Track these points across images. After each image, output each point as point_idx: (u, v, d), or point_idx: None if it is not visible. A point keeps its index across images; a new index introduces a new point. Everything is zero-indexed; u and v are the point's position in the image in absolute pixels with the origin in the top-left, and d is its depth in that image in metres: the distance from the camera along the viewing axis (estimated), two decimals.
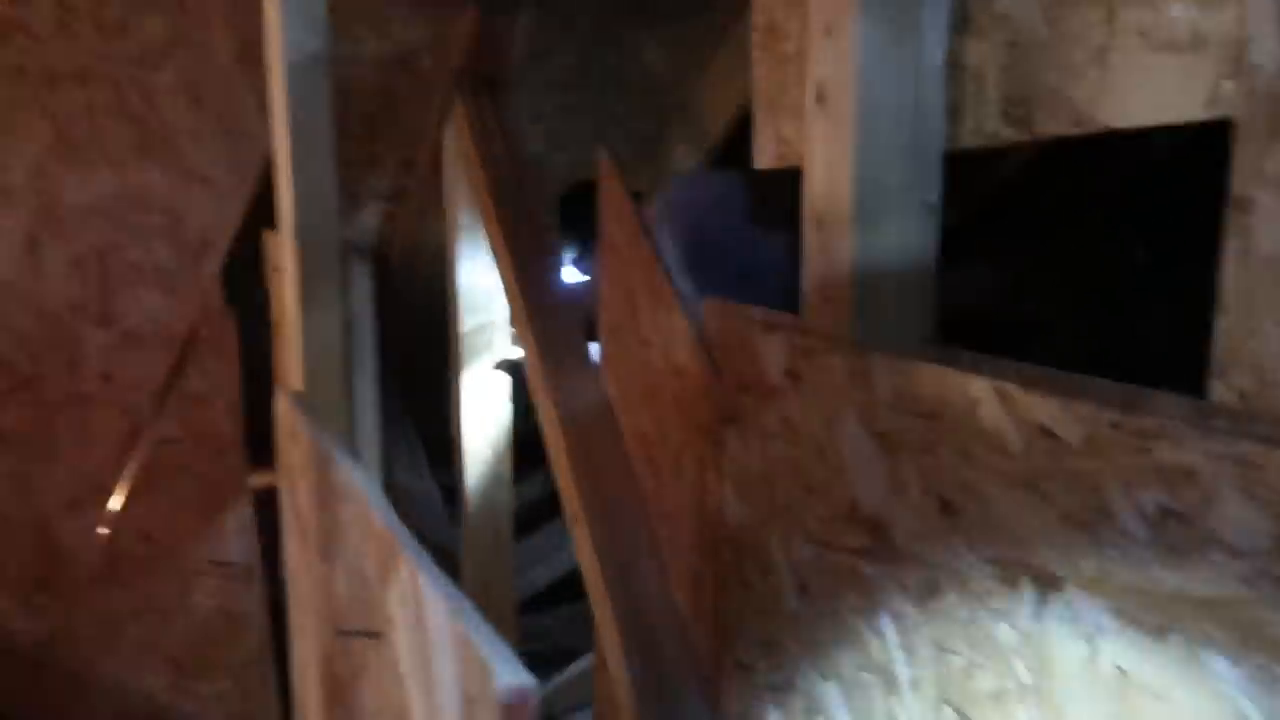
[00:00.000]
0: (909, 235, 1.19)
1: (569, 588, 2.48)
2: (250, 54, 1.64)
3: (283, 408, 1.39)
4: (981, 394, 0.94)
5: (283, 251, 1.40)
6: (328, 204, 1.32)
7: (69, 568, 1.59)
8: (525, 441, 2.65)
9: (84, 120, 1.51)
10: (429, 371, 3.14)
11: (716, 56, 2.86)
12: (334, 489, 0.98)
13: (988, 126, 1.12)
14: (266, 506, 1.78)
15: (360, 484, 0.88)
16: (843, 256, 1.19)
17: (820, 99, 1.22)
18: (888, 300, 1.19)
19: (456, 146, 2.73)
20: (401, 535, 0.88)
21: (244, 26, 1.63)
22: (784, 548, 1.24)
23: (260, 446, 2.05)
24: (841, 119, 1.18)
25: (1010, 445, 0.90)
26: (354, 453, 1.41)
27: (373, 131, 2.81)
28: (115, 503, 1.59)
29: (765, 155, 1.53)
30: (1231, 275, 0.82)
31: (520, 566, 2.87)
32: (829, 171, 1.21)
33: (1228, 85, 0.85)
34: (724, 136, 2.89)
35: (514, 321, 2.49)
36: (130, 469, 1.60)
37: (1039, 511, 0.88)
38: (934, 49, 1.16)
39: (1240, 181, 0.82)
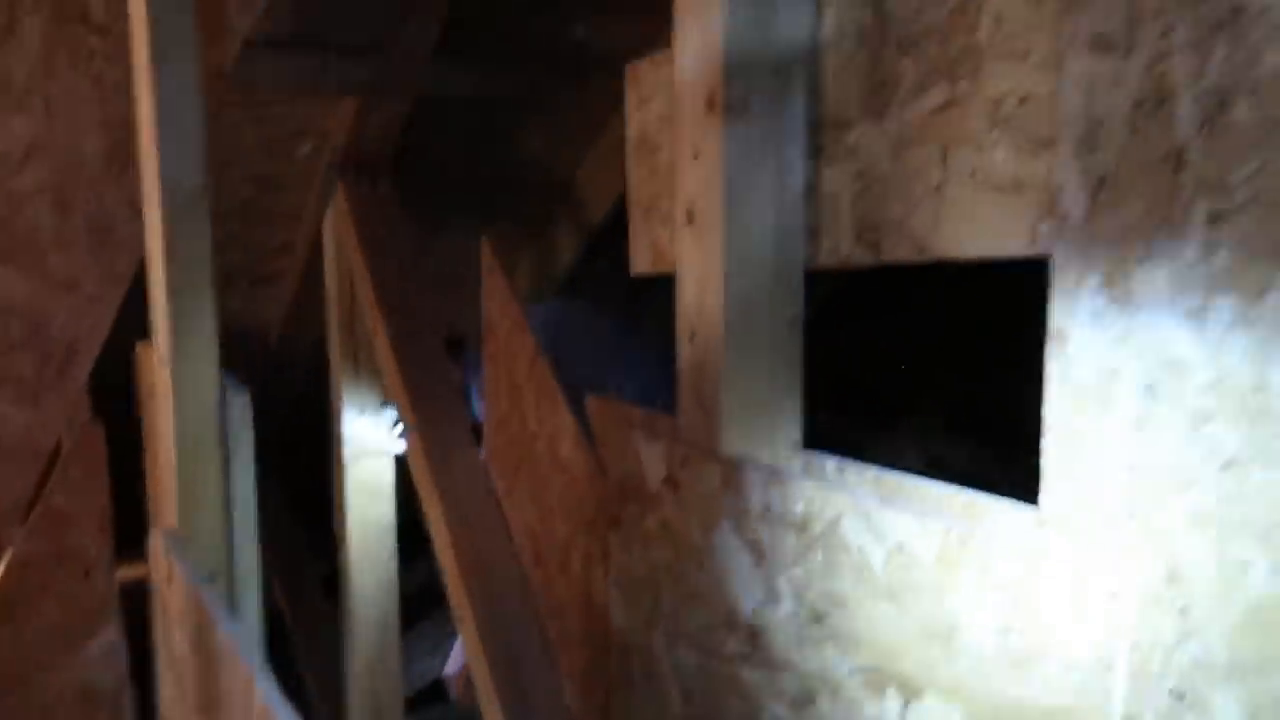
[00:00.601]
0: (776, 348, 1.26)
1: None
2: (121, 156, 1.61)
3: (157, 547, 1.35)
4: (843, 509, 1.00)
5: (158, 382, 1.37)
6: (207, 340, 1.30)
7: None
8: (410, 528, 2.62)
9: None
10: (310, 462, 3.08)
11: (597, 144, 2.95)
12: (214, 652, 0.96)
13: (842, 249, 1.20)
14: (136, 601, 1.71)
15: (242, 654, 0.87)
16: (714, 368, 1.25)
17: (690, 219, 1.29)
18: (758, 410, 1.25)
19: (337, 232, 2.72)
20: (281, 712, 0.85)
21: (115, 128, 1.60)
22: (668, 653, 1.27)
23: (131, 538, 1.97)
24: (711, 238, 1.25)
25: (871, 558, 0.96)
26: (232, 603, 1.37)
27: (248, 215, 2.78)
28: None
29: (641, 261, 1.59)
30: (1053, 399, 0.91)
31: (410, 658, 2.81)
32: (700, 287, 1.27)
33: (1044, 227, 0.95)
34: (608, 220, 2.97)
35: (397, 410, 2.48)
36: None
37: (900, 622, 0.94)
38: (794, 175, 1.24)
39: (1058, 315, 0.91)
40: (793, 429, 1.27)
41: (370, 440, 2.76)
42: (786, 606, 1.07)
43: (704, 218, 1.26)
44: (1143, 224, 0.85)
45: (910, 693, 0.92)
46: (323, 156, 2.66)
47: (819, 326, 1.54)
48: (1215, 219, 0.80)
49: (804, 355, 1.29)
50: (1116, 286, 0.87)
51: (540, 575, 2.00)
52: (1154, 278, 0.84)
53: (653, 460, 1.31)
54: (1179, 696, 0.79)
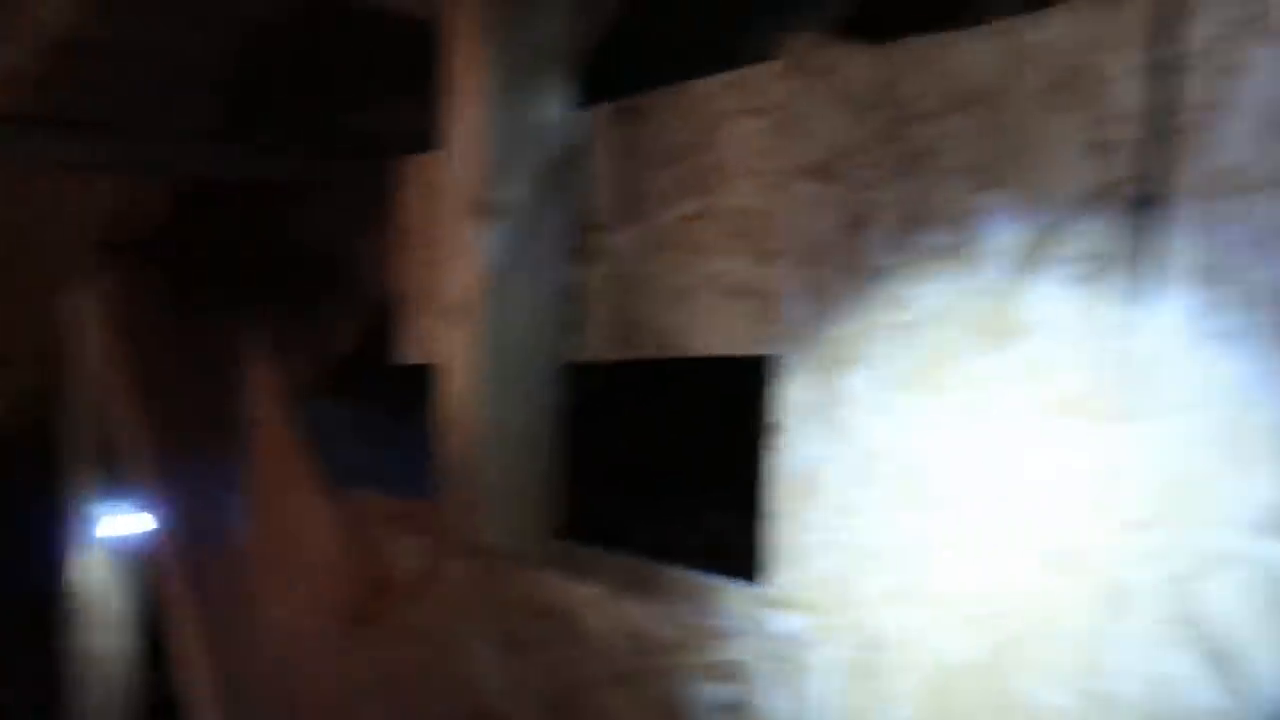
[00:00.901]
0: (535, 439, 1.29)
1: None
2: None
3: None
4: (587, 599, 1.02)
5: None
6: None
7: None
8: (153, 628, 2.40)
9: None
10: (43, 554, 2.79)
11: (376, 228, 2.92)
12: None
13: (599, 344, 1.26)
14: None
15: None
16: (474, 458, 1.26)
17: (453, 312, 1.31)
18: (517, 500, 1.27)
19: (95, 316, 2.54)
20: None
21: None
22: None
23: None
24: (473, 332, 1.27)
25: (611, 645, 0.98)
26: None
27: None
28: None
29: (409, 351, 1.59)
30: (772, 486, 0.98)
31: None
32: (462, 378, 1.29)
33: (772, 329, 1.04)
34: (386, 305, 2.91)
35: (148, 497, 2.29)
36: None
37: (635, 706, 0.96)
38: (554, 275, 1.30)
39: (776, 409, 0.99)
40: (551, 517, 1.29)
41: (112, 535, 2.54)
42: (529, 695, 1.07)
43: (466, 312, 1.28)
44: (850, 329, 0.95)
45: None
46: (77, 237, 2.50)
47: (601, 413, 1.58)
48: (903, 329, 0.91)
49: (583, 441, 1.32)
50: (828, 385, 0.96)
51: (298, 675, 1.88)
52: (858, 378, 0.94)
53: (410, 554, 1.29)
54: None
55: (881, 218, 0.94)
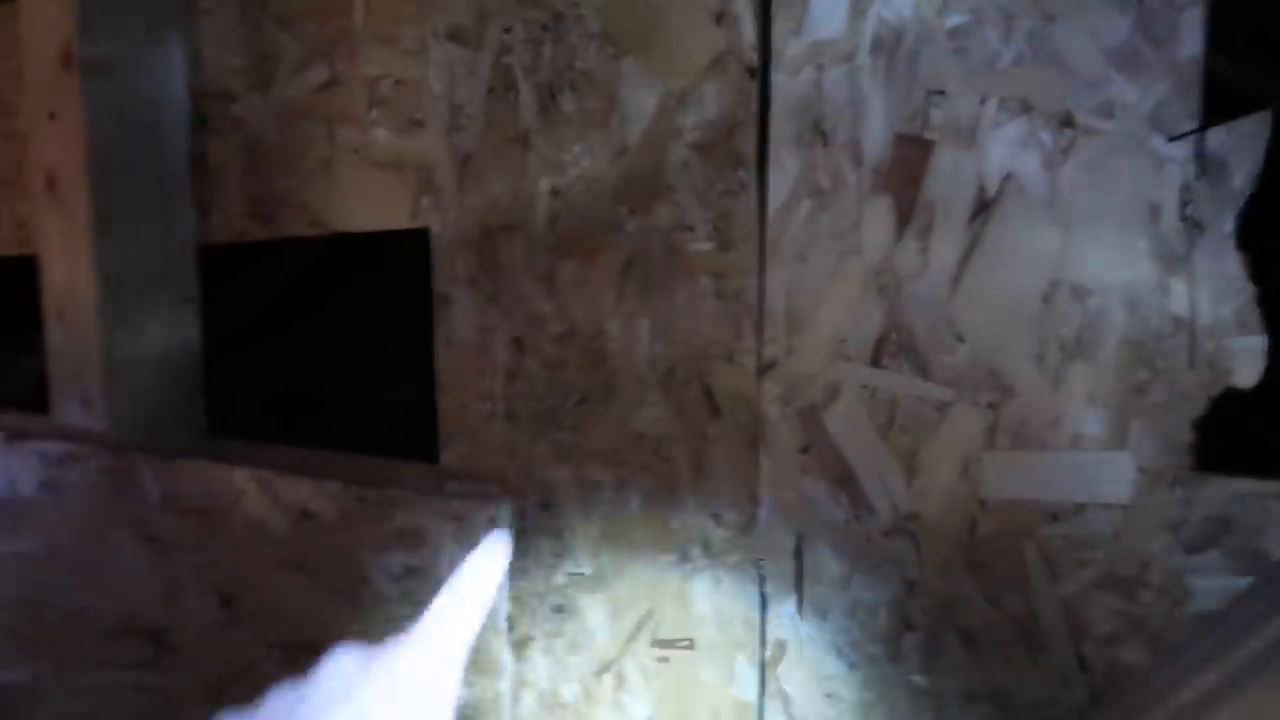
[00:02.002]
0: (167, 329, 1.18)
1: None
2: None
3: None
4: (245, 484, 0.97)
5: None
6: None
7: None
8: None
9: None
10: None
11: None
12: None
13: (236, 224, 1.17)
14: None
15: None
16: (91, 353, 1.13)
17: (50, 187, 1.14)
18: (149, 396, 1.16)
19: None
20: None
21: None
22: (64, 680, 1.13)
23: None
24: (76, 210, 1.12)
25: (276, 530, 0.95)
26: None
27: None
28: None
29: (2, 241, 1.37)
30: (442, 359, 0.99)
31: None
32: (68, 265, 1.14)
33: (424, 201, 1.02)
34: None
35: None
36: None
37: (312, 587, 0.95)
38: (174, 145, 1.17)
39: (441, 281, 0.99)
40: (195, 414, 1.20)
41: None
42: (190, 598, 1.01)
43: (68, 186, 1.12)
44: (501, 197, 0.96)
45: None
46: None
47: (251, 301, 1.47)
48: (556, 193, 0.93)
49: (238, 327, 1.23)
50: (486, 253, 0.97)
51: None
52: (514, 242, 0.96)
53: (26, 466, 1.15)
54: (558, 609, 0.92)
55: (526, 84, 0.95)
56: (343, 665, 0.51)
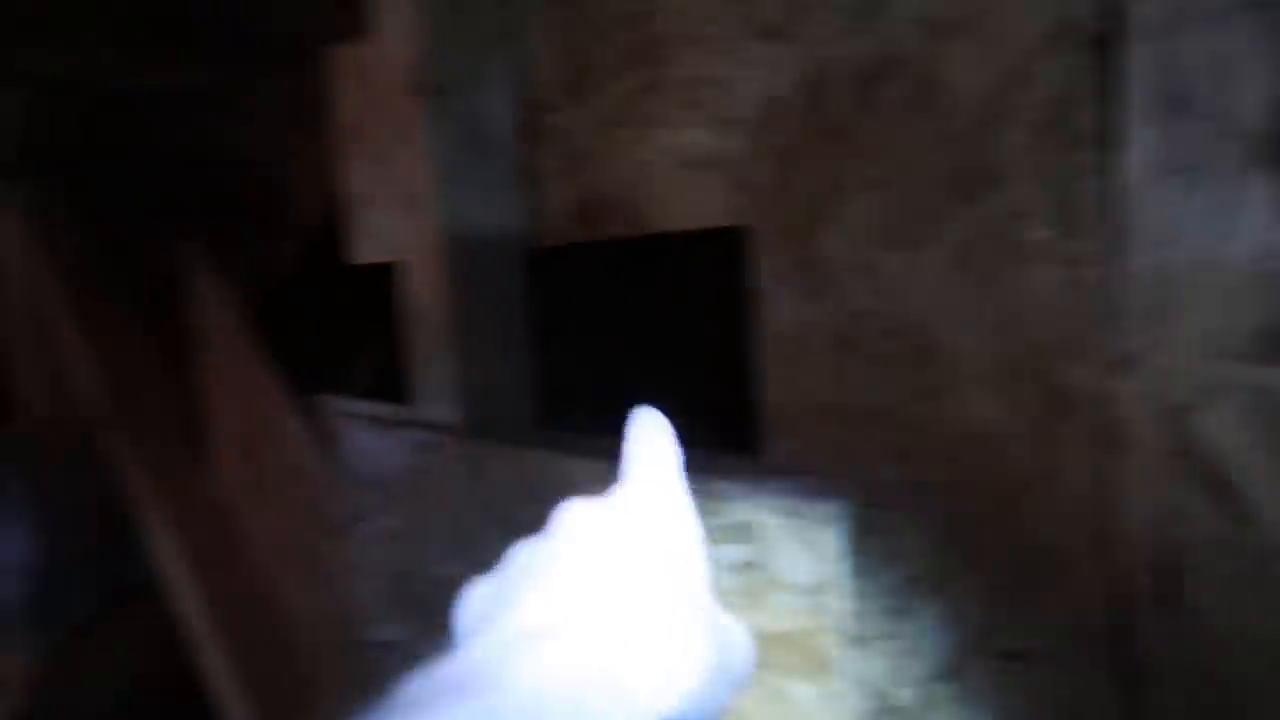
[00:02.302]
0: (506, 327, 1.29)
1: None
2: None
3: None
4: (579, 474, 1.04)
5: None
6: None
7: None
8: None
9: None
10: None
11: (307, 139, 2.81)
12: None
13: (561, 227, 1.25)
14: None
15: None
16: (444, 351, 1.25)
17: (407, 204, 1.28)
18: (492, 390, 1.28)
19: (13, 241, 2.42)
20: None
21: None
22: (432, 644, 1.27)
23: None
24: (428, 223, 1.25)
25: None
26: None
27: None
28: None
29: (361, 251, 1.56)
30: (761, 355, 1.00)
31: None
32: (424, 271, 1.27)
33: (740, 198, 1.03)
34: (324, 221, 2.83)
35: (103, 422, 2.25)
36: None
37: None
38: (505, 158, 1.27)
39: (758, 277, 1.00)
40: (528, 406, 1.30)
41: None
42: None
43: (419, 202, 1.25)
44: (820, 191, 0.95)
45: None
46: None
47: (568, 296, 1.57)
48: (879, 184, 0.91)
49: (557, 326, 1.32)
50: (805, 248, 0.97)
51: (283, 587, 1.91)
52: (835, 236, 0.95)
53: (395, 452, 1.30)
54: (893, 611, 0.91)
55: (841, 74, 0.93)
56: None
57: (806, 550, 0.89)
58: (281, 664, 1.87)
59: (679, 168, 1.11)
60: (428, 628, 1.28)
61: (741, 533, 0.93)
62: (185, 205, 2.24)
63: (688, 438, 1.04)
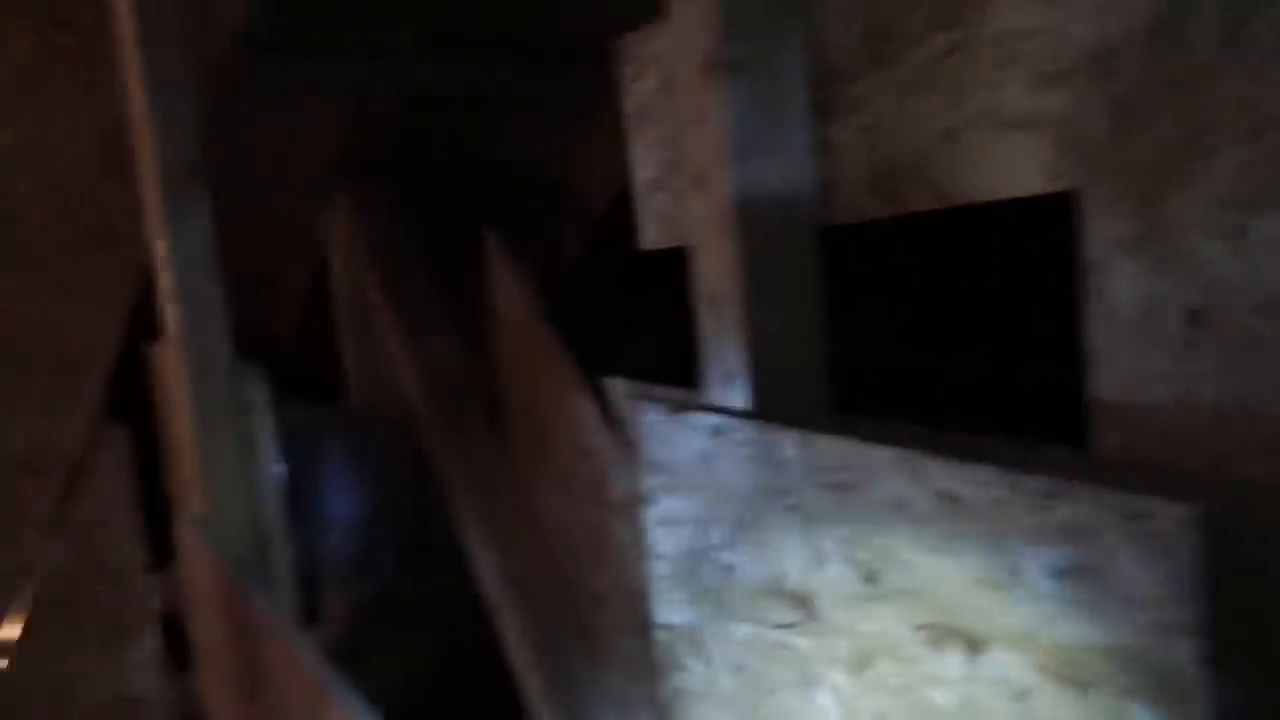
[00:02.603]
0: (796, 308, 1.24)
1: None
2: (118, 160, 1.58)
3: (183, 534, 1.34)
4: (883, 462, 0.98)
5: (169, 366, 1.36)
6: (217, 317, 1.28)
7: None
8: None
9: None
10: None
11: (591, 137, 2.92)
12: (251, 626, 0.95)
13: (857, 203, 1.18)
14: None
15: (281, 622, 0.85)
16: (738, 335, 1.23)
17: (698, 185, 1.27)
18: (783, 374, 1.24)
19: (340, 235, 2.70)
20: (329, 678, 0.85)
21: (109, 132, 1.57)
22: (715, 629, 1.26)
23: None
24: (720, 203, 1.23)
25: (917, 510, 0.94)
26: (267, 580, 1.36)
27: (247, 220, 2.76)
28: (10, 636, 1.50)
29: (649, 236, 1.57)
30: (1095, 333, 0.89)
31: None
32: (714, 253, 1.25)
33: (1068, 160, 0.92)
34: (608, 215, 2.93)
35: (412, 401, 2.45)
36: (23, 602, 1.51)
37: (955, 574, 0.92)
38: (799, 132, 1.22)
39: (1093, 247, 0.89)
40: (820, 391, 1.25)
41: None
42: (834, 567, 1.05)
43: (712, 182, 1.23)
44: (1172, 146, 0.83)
45: (974, 646, 0.90)
46: (320, 159, 2.64)
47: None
48: (1250, 134, 0.78)
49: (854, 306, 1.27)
50: (1151, 211, 0.85)
51: (574, 565, 1.99)
52: (1188, 197, 0.82)
53: (685, 436, 1.29)
54: (1259, 634, 0.78)
55: (1204, 8, 0.80)
56: None
57: (1149, 557, 0.78)
58: (573, 638, 1.95)
59: (993, 131, 1.01)
60: (711, 617, 1.27)
61: (1068, 535, 0.83)
62: (484, 199, 2.38)
63: (1004, 427, 0.95)
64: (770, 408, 1.22)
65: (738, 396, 1.26)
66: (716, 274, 1.26)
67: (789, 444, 1.11)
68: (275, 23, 1.99)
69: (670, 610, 1.35)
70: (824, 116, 1.22)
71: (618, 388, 1.70)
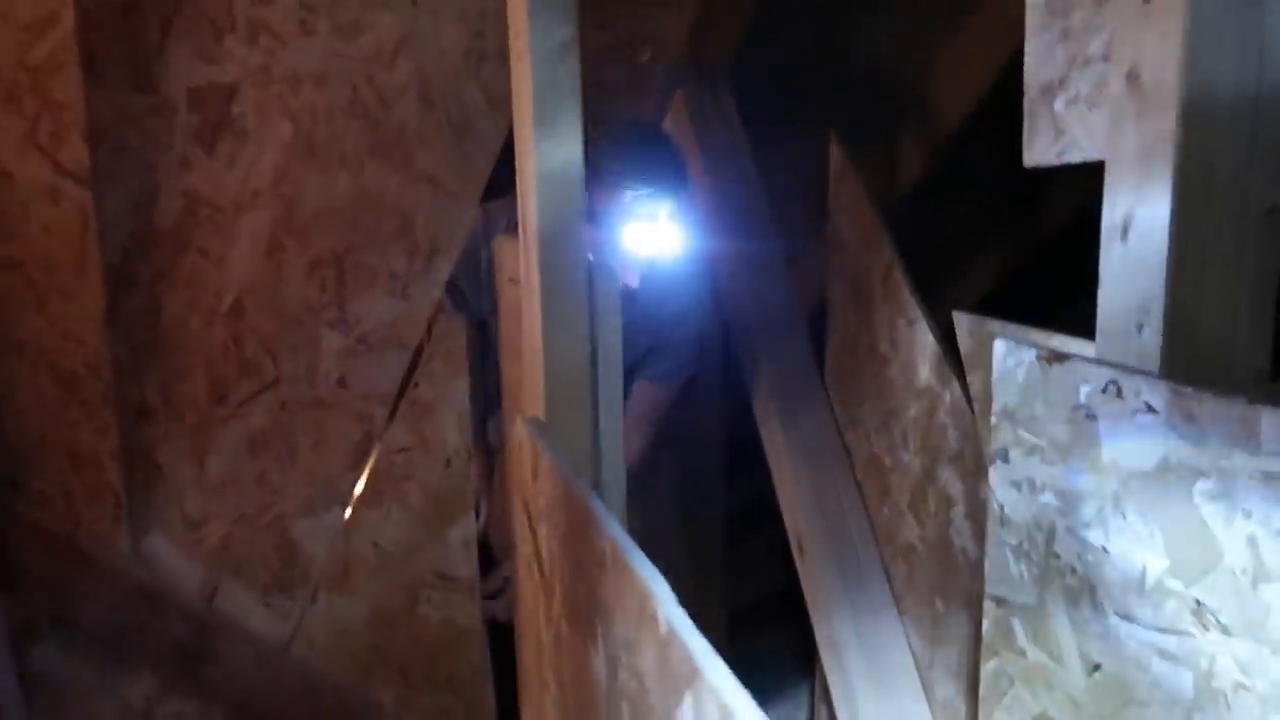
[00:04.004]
0: (1242, 251, 0.99)
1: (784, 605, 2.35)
2: (478, 49, 1.59)
3: (520, 434, 1.33)
4: None
5: (521, 261, 1.33)
6: (574, 210, 1.22)
7: (304, 571, 1.61)
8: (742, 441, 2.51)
9: (322, 123, 1.51)
10: None
11: (951, 45, 2.63)
12: (595, 554, 0.89)
13: None
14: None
15: (634, 563, 0.77)
16: (1156, 271, 1.00)
17: (1133, 85, 1.03)
18: (1213, 326, 0.99)
19: (677, 137, 2.64)
20: (698, 648, 0.68)
21: (472, 20, 1.57)
22: (1067, 615, 1.07)
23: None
24: (1162, 109, 0.99)
25: None
26: (601, 492, 1.32)
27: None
28: (348, 509, 1.60)
29: (1039, 150, 1.34)
30: None
31: (734, 576, 2.78)
32: (1143, 171, 1.02)
33: None
34: (960, 132, 2.66)
35: (740, 329, 2.36)
36: (362, 476, 1.61)
37: None
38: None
39: None
40: (1259, 356, 1.00)
41: None
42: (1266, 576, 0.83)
43: (1155, 82, 0.99)
44: None
45: None
46: (663, 61, 2.58)
47: None
48: None
49: None
50: None
51: (887, 512, 1.83)
52: None
53: (1058, 389, 1.09)
54: None
55: None
56: None
57: None
58: (866, 588, 1.81)
59: None
60: (1070, 599, 1.08)
61: None
62: (821, 114, 2.20)
63: None
64: (1183, 365, 0.98)
65: (1135, 351, 1.04)
66: (1141, 199, 1.02)
67: (1206, 416, 0.88)
68: None
69: (1010, 585, 1.17)
70: None
71: (966, 323, 1.50)
